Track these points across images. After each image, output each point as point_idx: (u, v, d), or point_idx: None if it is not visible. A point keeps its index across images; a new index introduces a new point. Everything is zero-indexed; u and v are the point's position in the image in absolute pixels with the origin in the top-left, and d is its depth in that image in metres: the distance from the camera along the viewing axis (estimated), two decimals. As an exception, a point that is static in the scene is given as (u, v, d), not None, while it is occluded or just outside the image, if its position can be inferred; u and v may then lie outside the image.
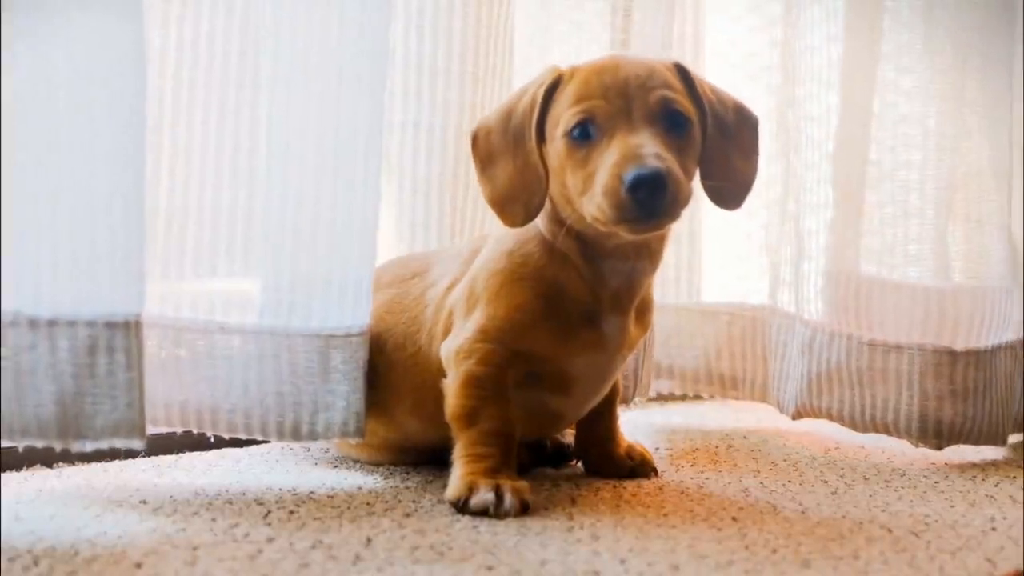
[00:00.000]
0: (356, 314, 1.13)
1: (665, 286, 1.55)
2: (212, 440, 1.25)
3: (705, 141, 1.07)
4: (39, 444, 0.96)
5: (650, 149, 0.98)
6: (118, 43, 0.98)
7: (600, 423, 1.21)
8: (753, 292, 1.58)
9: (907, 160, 1.40)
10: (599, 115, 1.02)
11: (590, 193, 1.00)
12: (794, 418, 1.44)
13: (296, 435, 1.13)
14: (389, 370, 1.16)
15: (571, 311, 1.08)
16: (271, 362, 1.12)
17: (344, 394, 1.13)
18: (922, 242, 1.40)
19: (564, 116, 1.03)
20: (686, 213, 1.61)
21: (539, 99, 1.06)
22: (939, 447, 1.36)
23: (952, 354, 1.35)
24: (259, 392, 1.12)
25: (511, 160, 1.07)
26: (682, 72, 1.08)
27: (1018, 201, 1.51)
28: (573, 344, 1.08)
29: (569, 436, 1.27)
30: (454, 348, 1.09)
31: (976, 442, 1.37)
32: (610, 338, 1.10)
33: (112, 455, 1.20)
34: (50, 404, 0.96)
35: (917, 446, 1.37)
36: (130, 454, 1.22)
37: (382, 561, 0.88)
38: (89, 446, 0.97)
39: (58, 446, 0.96)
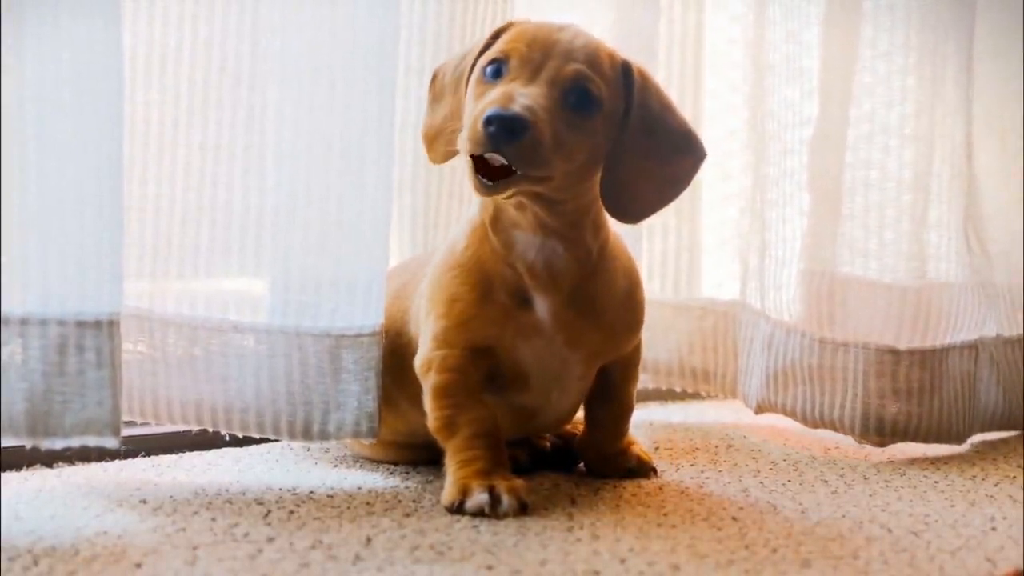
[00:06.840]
0: (367, 314, 1.13)
1: (650, 281, 1.53)
2: (211, 439, 1.24)
3: (622, 141, 1.05)
4: (10, 442, 0.96)
5: (525, 100, 0.98)
6: (98, 45, 0.97)
7: (601, 427, 1.20)
8: (727, 288, 1.57)
9: (867, 159, 1.40)
10: (513, 59, 1.02)
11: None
12: (756, 412, 1.45)
13: (307, 435, 1.13)
14: (392, 360, 1.15)
15: (500, 292, 1.07)
16: (282, 362, 1.12)
17: (355, 394, 1.13)
18: (885, 243, 1.40)
19: (488, 53, 1.04)
20: (672, 208, 1.53)
21: (484, 41, 1.07)
22: (882, 444, 1.37)
23: (895, 353, 1.36)
24: (271, 392, 1.12)
25: (452, 98, 1.09)
26: (625, 69, 1.06)
27: (1004, 201, 1.51)
28: (510, 328, 1.07)
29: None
30: (419, 362, 1.09)
31: (925, 440, 1.37)
32: (544, 322, 1.07)
33: (112, 455, 1.19)
34: (21, 402, 0.95)
35: (860, 443, 1.38)
36: (130, 453, 1.22)
37: (382, 561, 0.88)
38: (59, 444, 0.97)
39: (28, 444, 0.96)
